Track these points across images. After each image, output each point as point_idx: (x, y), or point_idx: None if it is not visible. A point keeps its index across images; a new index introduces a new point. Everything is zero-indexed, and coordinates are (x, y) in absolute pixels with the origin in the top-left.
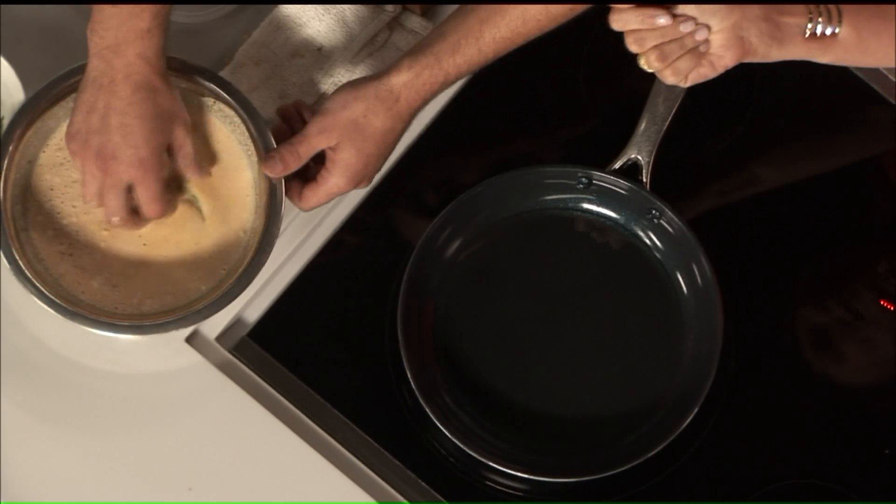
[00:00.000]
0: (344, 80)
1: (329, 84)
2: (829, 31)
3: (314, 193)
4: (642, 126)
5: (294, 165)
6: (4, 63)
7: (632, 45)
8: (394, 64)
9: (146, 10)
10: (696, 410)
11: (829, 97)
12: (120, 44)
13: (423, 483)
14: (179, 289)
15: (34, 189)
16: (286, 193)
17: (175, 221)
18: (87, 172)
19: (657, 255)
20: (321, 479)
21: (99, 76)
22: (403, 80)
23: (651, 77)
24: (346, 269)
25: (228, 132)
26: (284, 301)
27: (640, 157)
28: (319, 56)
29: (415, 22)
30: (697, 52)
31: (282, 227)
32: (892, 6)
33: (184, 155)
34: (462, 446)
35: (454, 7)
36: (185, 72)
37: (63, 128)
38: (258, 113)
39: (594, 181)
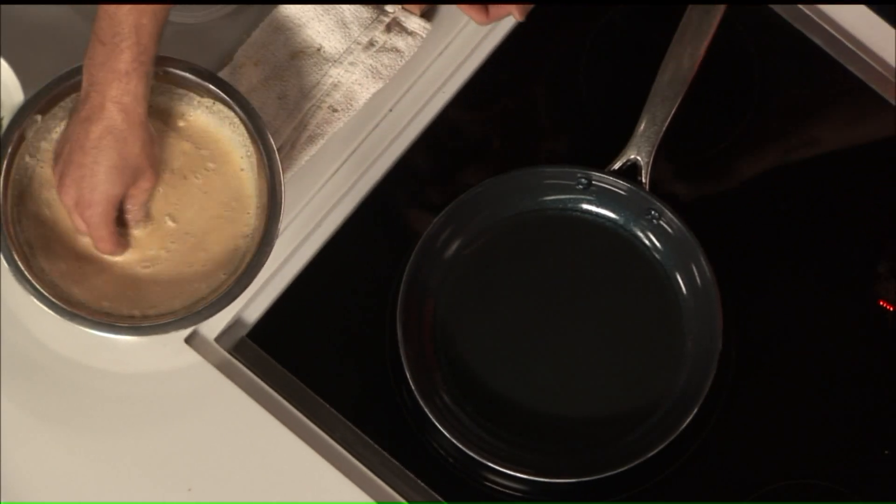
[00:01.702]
0: (343, 81)
1: (329, 85)
2: None
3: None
4: (642, 127)
5: None
6: (4, 63)
7: None
8: None
9: (126, 52)
10: (695, 410)
11: (828, 98)
12: (99, 83)
13: (422, 483)
14: (178, 290)
15: (32, 190)
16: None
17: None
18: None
19: (656, 255)
20: (320, 480)
21: (81, 108)
22: None
23: (651, 78)
24: (346, 270)
25: (227, 133)
26: (284, 301)
27: (639, 158)
28: (319, 57)
29: (414, 23)
30: None
31: (281, 228)
32: None
33: (132, 205)
34: (461, 446)
35: (454, 8)
36: (185, 72)
37: (62, 128)
38: (257, 113)
39: (593, 182)
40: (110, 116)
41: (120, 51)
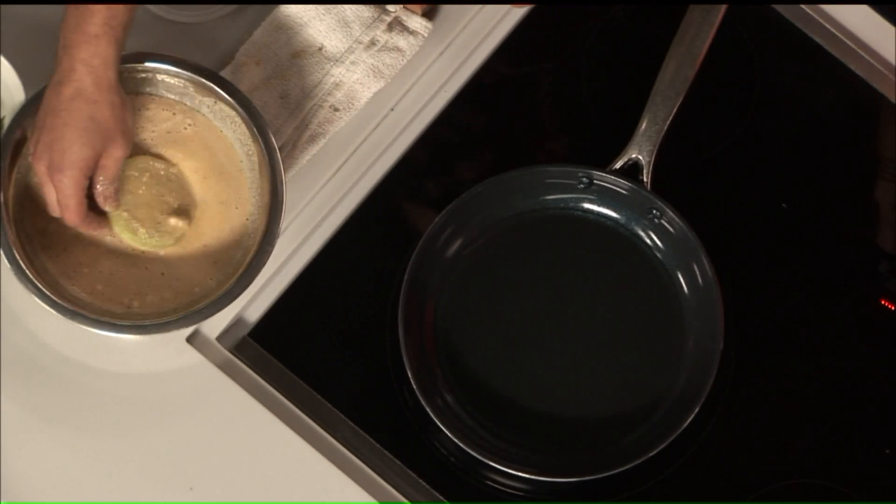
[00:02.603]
0: (344, 80)
1: (330, 84)
2: None
3: None
4: (643, 126)
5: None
6: (5, 63)
7: None
8: None
9: (96, 15)
10: (696, 410)
11: (829, 96)
12: (70, 46)
13: (423, 482)
14: (179, 288)
15: (33, 189)
16: None
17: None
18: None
19: (658, 254)
20: (322, 479)
21: (55, 72)
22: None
23: (652, 77)
24: (347, 269)
25: (229, 132)
26: (285, 301)
27: (640, 157)
28: (320, 56)
29: (416, 22)
30: None
31: (283, 227)
32: None
33: (103, 177)
34: (462, 446)
35: (455, 7)
36: (186, 71)
37: None
38: (259, 113)
39: (595, 181)
40: (80, 79)
41: (91, 14)
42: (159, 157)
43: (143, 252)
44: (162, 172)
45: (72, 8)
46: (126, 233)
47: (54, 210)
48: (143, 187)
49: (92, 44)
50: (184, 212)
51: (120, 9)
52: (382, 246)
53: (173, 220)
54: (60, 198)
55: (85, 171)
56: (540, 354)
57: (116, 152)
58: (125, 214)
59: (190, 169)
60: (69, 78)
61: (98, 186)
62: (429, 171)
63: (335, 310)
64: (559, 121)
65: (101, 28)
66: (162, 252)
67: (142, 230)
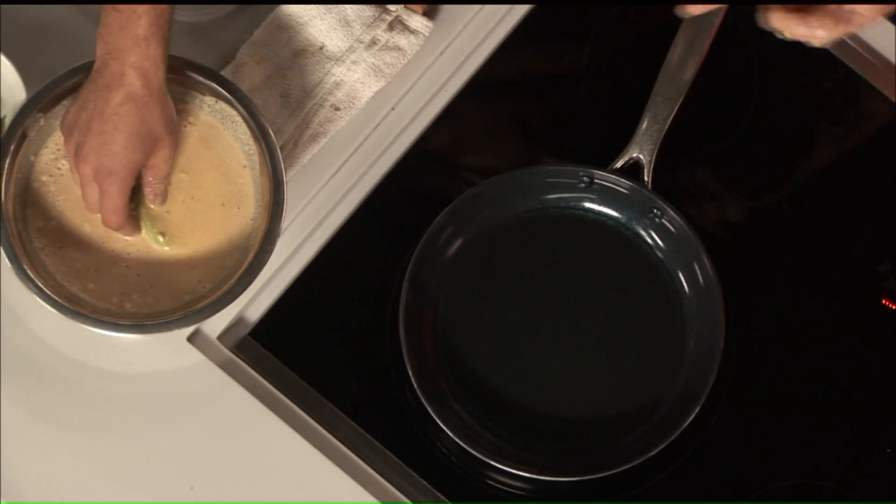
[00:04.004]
0: (346, 80)
1: (331, 83)
2: None
3: None
4: (644, 125)
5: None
6: (6, 62)
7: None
8: None
9: (143, 17)
10: (696, 410)
11: (829, 95)
12: (118, 50)
13: (424, 482)
14: (180, 287)
15: (34, 188)
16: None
17: (174, 221)
18: (70, 163)
19: (659, 254)
20: (323, 478)
21: (98, 77)
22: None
23: (652, 76)
24: (348, 269)
25: (229, 132)
26: (286, 300)
27: (641, 157)
28: (321, 55)
29: (417, 21)
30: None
31: (283, 226)
32: None
33: (153, 177)
34: (463, 445)
35: (456, 7)
36: (187, 71)
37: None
38: (259, 112)
39: (595, 180)
40: (131, 83)
41: (137, 16)
42: None
43: (139, 252)
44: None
45: (109, 10)
46: (149, 232)
47: (94, 209)
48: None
49: (142, 46)
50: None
51: (166, 9)
52: (383, 245)
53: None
54: (107, 201)
55: (134, 174)
56: (540, 354)
57: (166, 152)
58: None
59: (190, 169)
60: (119, 83)
61: (149, 186)
62: (429, 171)
63: (336, 309)
64: (560, 120)
65: (149, 30)
66: (164, 249)
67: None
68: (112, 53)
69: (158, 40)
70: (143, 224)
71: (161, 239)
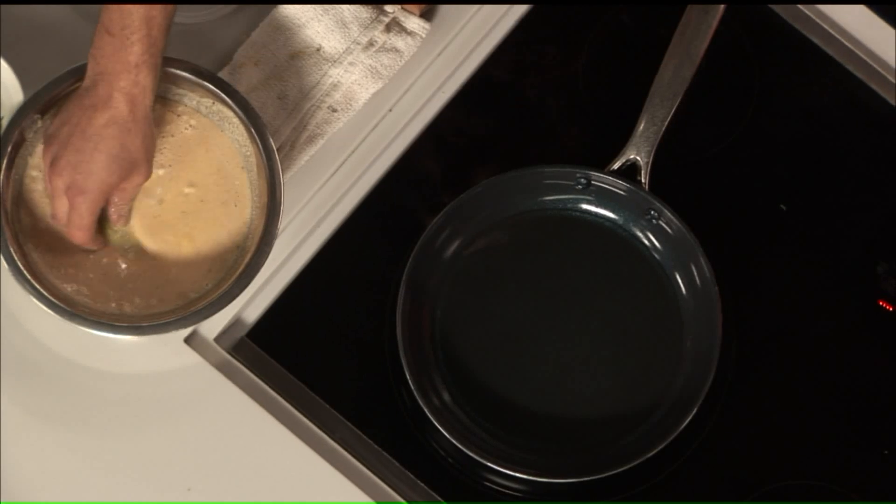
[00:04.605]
0: (343, 81)
1: (328, 85)
2: None
3: None
4: (641, 126)
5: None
6: (4, 63)
7: None
8: None
9: (137, 44)
10: (695, 410)
11: (828, 97)
12: (108, 73)
13: (421, 483)
14: (177, 289)
15: (28, 190)
16: None
17: (171, 222)
18: (45, 172)
19: (656, 255)
20: (320, 480)
21: (86, 95)
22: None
23: (650, 77)
24: (345, 270)
25: (227, 133)
26: (283, 302)
27: (638, 158)
28: (319, 57)
29: (414, 23)
30: None
31: (281, 228)
32: None
33: (119, 199)
34: (461, 446)
35: (453, 8)
36: (184, 72)
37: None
38: (257, 114)
39: (593, 182)
40: (117, 107)
41: (130, 43)
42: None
43: (135, 253)
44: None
45: (103, 32)
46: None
47: (60, 221)
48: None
49: (132, 73)
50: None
51: (159, 37)
52: (381, 247)
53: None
54: (75, 217)
55: (106, 195)
56: (538, 355)
57: (140, 178)
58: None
59: (187, 170)
60: (106, 105)
61: (113, 206)
62: (427, 172)
63: (333, 311)
64: (557, 121)
65: (141, 57)
66: (162, 251)
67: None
68: (102, 76)
69: (150, 69)
70: (113, 239)
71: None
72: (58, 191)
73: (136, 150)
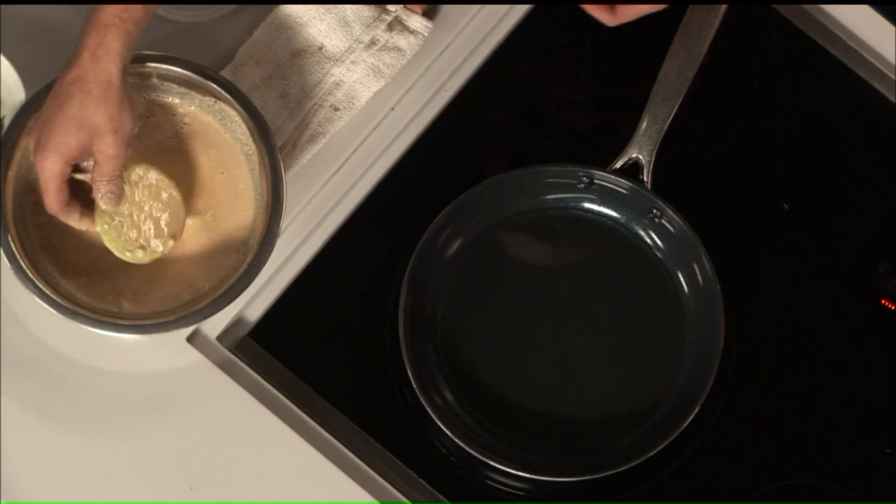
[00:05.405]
0: (345, 80)
1: (330, 83)
2: None
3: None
4: (643, 125)
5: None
6: (5, 62)
7: None
8: None
9: (111, 7)
10: (696, 410)
11: (828, 96)
12: (84, 33)
13: (423, 482)
14: (179, 288)
15: (33, 188)
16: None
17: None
18: None
19: (658, 254)
20: (322, 478)
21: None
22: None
23: (652, 77)
24: (347, 269)
25: (229, 132)
26: (285, 300)
27: (641, 157)
28: (321, 55)
29: (416, 22)
30: None
31: (283, 227)
32: None
33: (98, 174)
34: (462, 445)
35: (455, 7)
36: (186, 71)
37: None
38: (259, 112)
39: (595, 181)
40: (82, 66)
41: (104, 5)
42: (164, 176)
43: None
44: (164, 195)
45: (93, 6)
46: (107, 235)
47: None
48: (137, 196)
49: (101, 33)
50: (171, 236)
51: (137, 10)
52: (382, 245)
53: (155, 242)
54: (40, 179)
55: (67, 158)
56: (540, 354)
57: (107, 150)
58: (116, 219)
59: (189, 169)
60: (75, 63)
61: (94, 184)
62: (429, 171)
63: (335, 309)
64: (559, 120)
65: (111, 19)
66: (163, 249)
67: (121, 240)
68: (81, 35)
69: (118, 33)
70: (98, 218)
71: (121, 244)
72: (31, 152)
73: (95, 113)
